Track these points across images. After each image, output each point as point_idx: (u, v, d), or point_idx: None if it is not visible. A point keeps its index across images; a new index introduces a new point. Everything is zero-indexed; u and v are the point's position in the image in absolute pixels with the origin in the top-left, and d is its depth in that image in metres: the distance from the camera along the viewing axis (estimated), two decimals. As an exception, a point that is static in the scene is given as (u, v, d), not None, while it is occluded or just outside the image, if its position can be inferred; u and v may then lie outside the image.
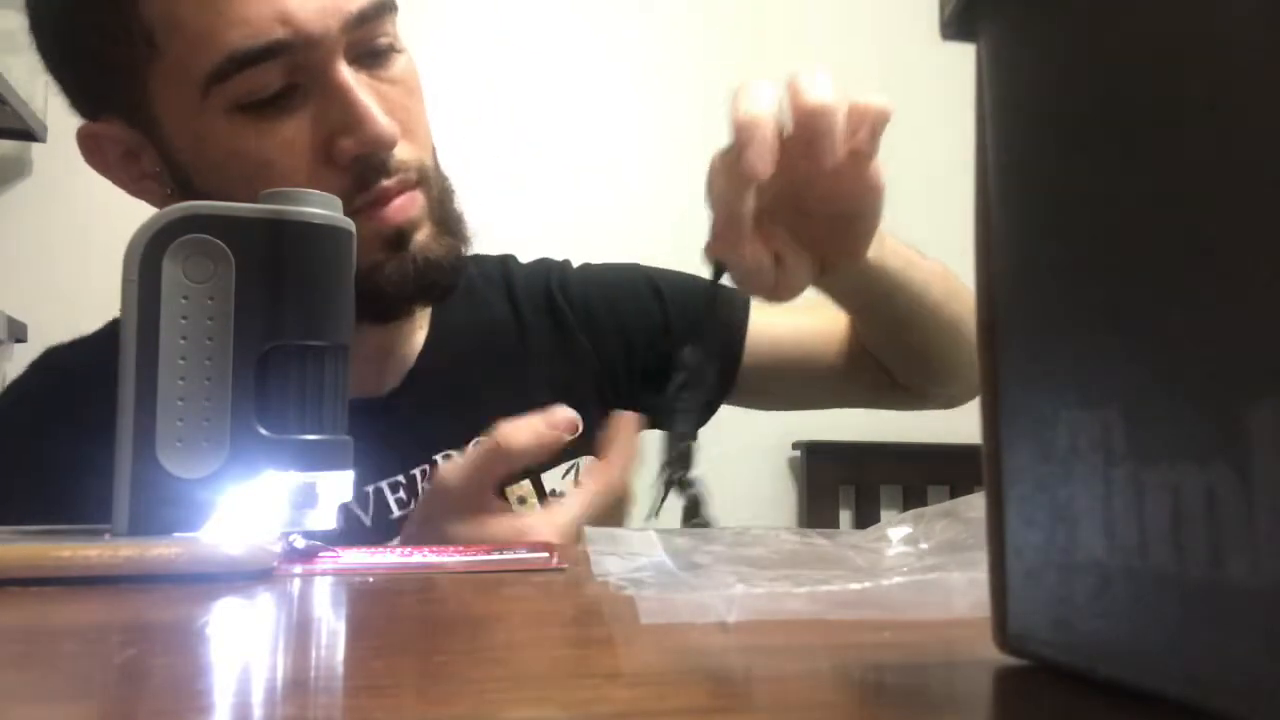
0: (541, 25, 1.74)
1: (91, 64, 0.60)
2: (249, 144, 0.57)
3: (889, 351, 0.72)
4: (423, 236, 0.60)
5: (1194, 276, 0.15)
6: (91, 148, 0.62)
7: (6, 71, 1.39)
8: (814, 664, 0.22)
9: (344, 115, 0.57)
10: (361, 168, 0.57)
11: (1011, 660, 0.20)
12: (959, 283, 0.69)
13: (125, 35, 0.56)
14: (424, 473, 0.65)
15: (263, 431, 0.37)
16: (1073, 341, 0.18)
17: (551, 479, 0.67)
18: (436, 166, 0.64)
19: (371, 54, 0.59)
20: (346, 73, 0.57)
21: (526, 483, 0.66)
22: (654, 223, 1.76)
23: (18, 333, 1.45)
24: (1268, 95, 0.14)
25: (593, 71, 1.75)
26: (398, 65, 0.61)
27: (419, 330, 0.70)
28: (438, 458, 0.65)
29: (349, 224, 0.40)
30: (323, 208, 0.39)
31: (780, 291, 0.54)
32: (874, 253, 0.58)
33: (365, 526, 0.63)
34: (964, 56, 0.22)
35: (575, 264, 0.79)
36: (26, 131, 1.49)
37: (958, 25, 0.21)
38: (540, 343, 0.72)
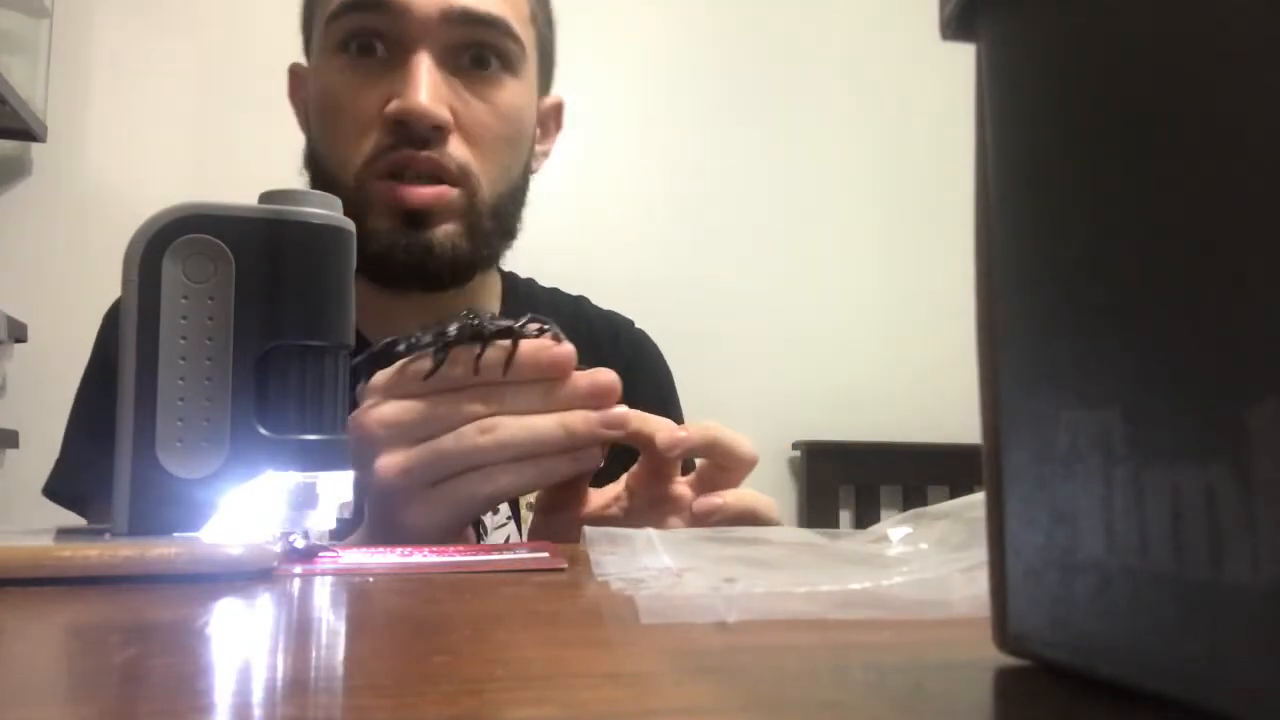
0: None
1: (304, 12, 0.74)
2: (335, 80, 0.67)
3: None
4: (444, 231, 0.65)
5: (1194, 276, 0.15)
6: (291, 84, 0.77)
7: (6, 71, 1.39)
8: (814, 664, 0.22)
9: (402, 83, 0.64)
10: (399, 134, 0.64)
11: (1011, 660, 0.20)
12: None
13: None
14: None
15: (263, 431, 0.37)
16: (1073, 341, 0.18)
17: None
18: (505, 195, 0.69)
19: (472, 63, 0.67)
20: (425, 57, 0.64)
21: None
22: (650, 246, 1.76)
23: (18, 333, 1.45)
24: (1269, 94, 0.14)
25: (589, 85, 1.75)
26: (495, 88, 0.67)
27: None
28: None
29: (349, 224, 0.40)
30: (323, 208, 0.39)
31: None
32: None
33: None
34: (964, 56, 0.22)
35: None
36: (26, 131, 1.49)
37: (958, 25, 0.21)
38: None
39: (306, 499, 0.37)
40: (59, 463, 0.73)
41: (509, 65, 0.68)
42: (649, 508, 0.52)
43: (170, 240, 0.37)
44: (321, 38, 0.68)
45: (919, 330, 1.76)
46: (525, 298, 0.80)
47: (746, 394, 1.71)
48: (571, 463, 0.47)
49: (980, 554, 0.21)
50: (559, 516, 0.52)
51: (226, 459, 0.36)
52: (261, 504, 0.36)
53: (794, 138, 1.84)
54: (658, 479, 0.52)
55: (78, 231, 1.53)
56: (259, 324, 0.37)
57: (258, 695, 0.18)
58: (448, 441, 0.46)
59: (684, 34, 1.81)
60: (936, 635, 0.24)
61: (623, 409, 0.48)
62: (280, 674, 0.20)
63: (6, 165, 1.55)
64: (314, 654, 0.23)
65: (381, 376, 0.48)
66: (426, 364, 0.46)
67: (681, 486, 0.53)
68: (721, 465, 0.52)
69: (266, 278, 0.37)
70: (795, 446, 1.80)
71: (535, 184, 0.77)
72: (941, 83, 1.54)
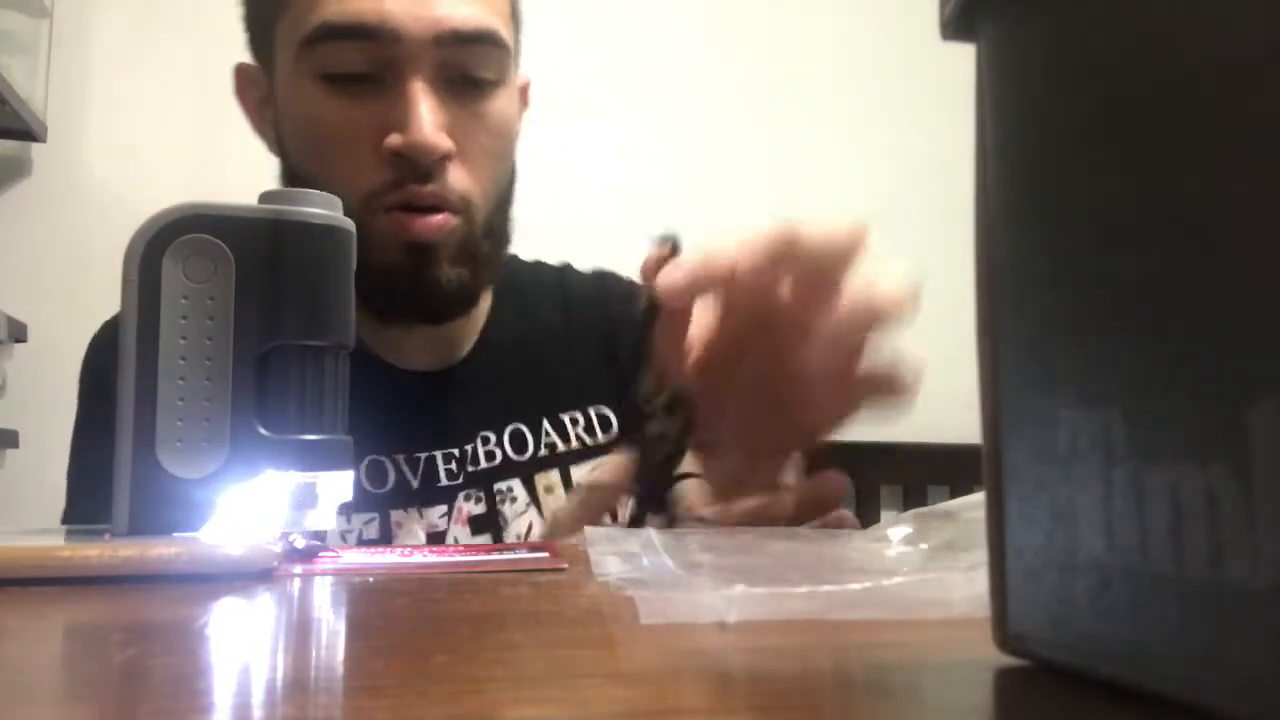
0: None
1: (251, 11, 0.70)
2: (321, 110, 0.63)
3: None
4: (447, 262, 0.63)
5: (1194, 276, 0.15)
6: (239, 84, 0.72)
7: (6, 71, 1.39)
8: (814, 664, 0.22)
9: (400, 114, 0.61)
10: (401, 167, 0.61)
11: (1011, 660, 0.20)
12: None
13: None
14: (469, 452, 0.69)
15: (263, 431, 0.37)
16: (1073, 341, 0.18)
17: (579, 474, 0.70)
18: (495, 209, 0.66)
19: (463, 81, 0.63)
20: (420, 83, 0.61)
21: (555, 473, 0.70)
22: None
23: (18, 333, 1.46)
24: (1269, 94, 0.14)
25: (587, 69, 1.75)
26: (488, 102, 0.65)
27: (471, 327, 0.73)
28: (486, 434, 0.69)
29: (349, 224, 0.40)
30: (323, 208, 0.39)
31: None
32: None
33: (413, 488, 0.67)
34: (964, 56, 0.22)
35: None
36: (26, 131, 1.49)
37: (958, 25, 0.21)
38: (586, 350, 0.75)
39: (306, 499, 0.37)
40: (66, 516, 0.69)
41: (497, 79, 0.65)
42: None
43: (170, 240, 0.37)
44: (296, 59, 0.63)
45: (919, 330, 1.76)
46: (510, 279, 0.77)
47: (746, 394, 1.71)
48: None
49: (980, 554, 0.21)
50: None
51: (226, 459, 0.36)
52: (261, 504, 0.36)
53: (795, 136, 1.84)
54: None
55: (78, 231, 1.53)
56: (259, 324, 0.37)
57: (258, 695, 0.18)
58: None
59: (683, 25, 1.81)
60: (936, 635, 0.24)
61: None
62: (280, 674, 0.20)
63: (6, 165, 1.55)
64: (314, 654, 0.23)
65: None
66: None
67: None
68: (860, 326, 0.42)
69: (266, 278, 0.37)
70: (795, 446, 1.79)
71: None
72: (941, 82, 1.54)
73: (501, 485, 0.68)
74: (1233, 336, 0.14)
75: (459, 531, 0.67)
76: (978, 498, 0.22)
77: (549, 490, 0.69)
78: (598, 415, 0.72)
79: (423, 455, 0.68)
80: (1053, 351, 0.18)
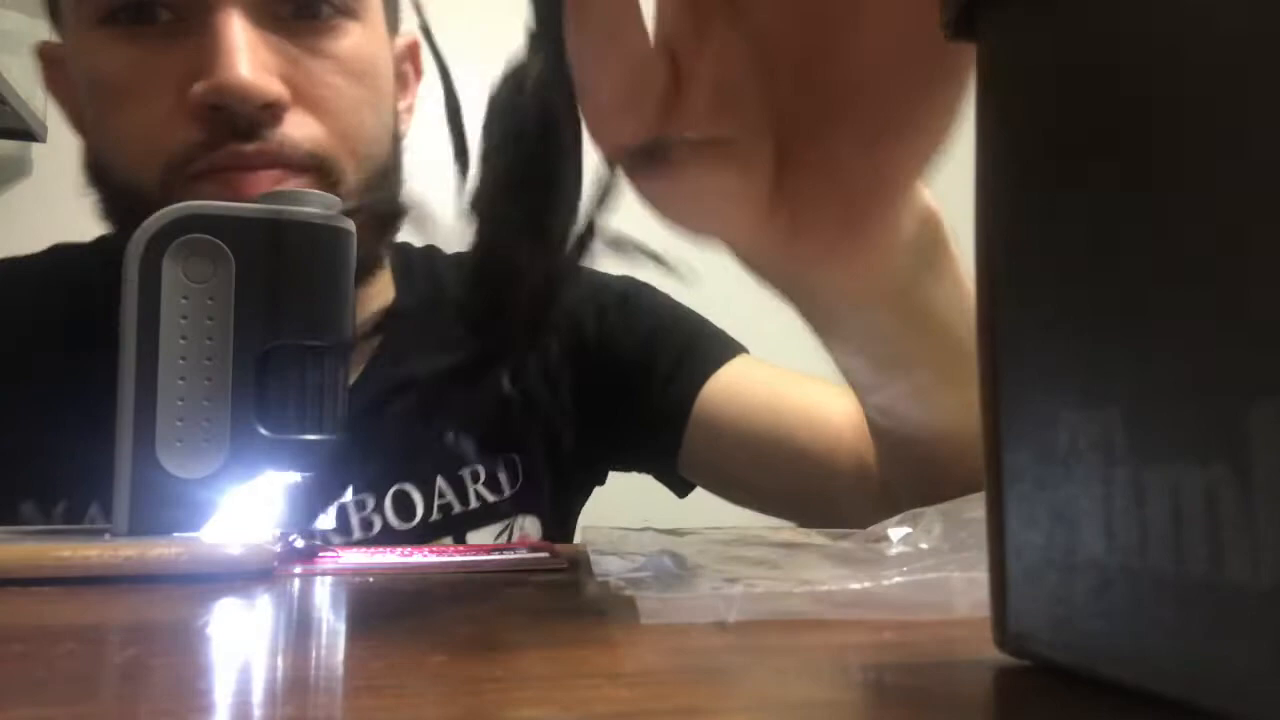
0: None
1: None
2: (112, 62, 0.50)
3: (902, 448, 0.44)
4: None
5: (1194, 276, 0.15)
6: (46, 70, 0.59)
7: (6, 71, 1.39)
8: (814, 664, 0.22)
9: (207, 55, 0.47)
10: (218, 123, 0.48)
11: (1011, 660, 0.20)
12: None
13: None
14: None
15: (263, 431, 0.37)
16: (1073, 341, 0.18)
17: (484, 536, 0.58)
18: (375, 176, 0.53)
19: (298, 13, 0.50)
20: (233, 14, 0.48)
21: (449, 540, 0.57)
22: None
23: (18, 333, 1.45)
24: (1269, 96, 0.14)
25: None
26: (337, 39, 0.51)
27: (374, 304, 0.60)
28: None
29: (349, 224, 0.39)
30: (323, 208, 0.39)
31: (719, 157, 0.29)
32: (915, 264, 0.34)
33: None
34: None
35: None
36: (26, 131, 1.49)
37: (958, 25, 0.21)
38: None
39: (306, 499, 0.37)
40: None
41: (345, 8, 0.52)
42: None
43: (170, 240, 0.37)
44: (77, 9, 0.50)
45: (919, 330, 1.76)
46: (423, 275, 0.63)
47: (746, 394, 1.70)
48: None
49: (980, 554, 0.21)
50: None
51: (226, 459, 0.36)
52: (261, 504, 0.36)
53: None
54: None
55: (77, 231, 1.53)
56: (259, 324, 0.37)
57: (258, 695, 0.18)
58: None
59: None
60: (936, 635, 0.24)
61: None
62: (280, 674, 0.20)
63: (6, 165, 1.55)
64: (314, 654, 0.23)
65: None
66: None
67: None
68: None
69: (266, 278, 0.37)
70: (795, 446, 1.79)
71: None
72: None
73: None
74: (1233, 337, 0.14)
75: None
76: (978, 498, 0.22)
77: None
78: (505, 461, 0.59)
79: None
80: (1053, 351, 0.18)
